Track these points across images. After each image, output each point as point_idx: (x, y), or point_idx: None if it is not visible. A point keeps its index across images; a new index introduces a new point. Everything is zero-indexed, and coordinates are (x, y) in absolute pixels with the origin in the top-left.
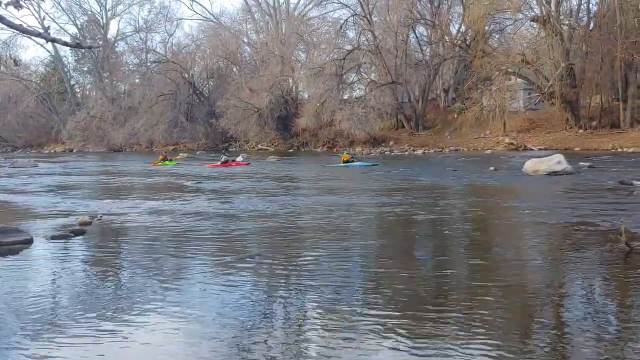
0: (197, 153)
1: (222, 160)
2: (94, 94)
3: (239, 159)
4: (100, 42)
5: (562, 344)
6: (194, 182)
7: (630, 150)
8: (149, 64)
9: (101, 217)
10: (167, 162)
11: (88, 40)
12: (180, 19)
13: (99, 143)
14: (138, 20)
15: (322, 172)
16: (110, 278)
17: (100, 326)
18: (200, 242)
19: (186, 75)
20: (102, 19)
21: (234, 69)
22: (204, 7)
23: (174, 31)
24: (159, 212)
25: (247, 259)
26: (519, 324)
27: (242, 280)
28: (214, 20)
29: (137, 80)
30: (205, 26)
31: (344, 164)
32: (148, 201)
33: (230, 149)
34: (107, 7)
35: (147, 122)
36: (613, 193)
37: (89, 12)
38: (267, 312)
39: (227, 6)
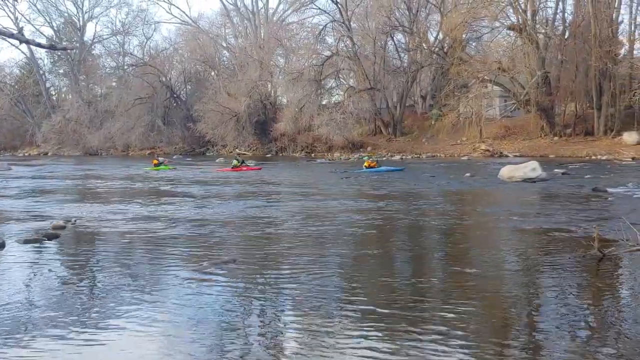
0: (174, 157)
1: (233, 164)
2: (70, 96)
3: (250, 163)
4: (77, 45)
5: (537, 348)
6: (173, 187)
7: (604, 157)
8: (126, 67)
9: (75, 221)
10: (161, 166)
11: (64, 43)
12: (158, 23)
13: (74, 146)
14: (115, 23)
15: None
16: (84, 283)
17: (73, 332)
18: (177, 247)
19: (163, 79)
20: (79, 21)
21: (212, 73)
22: (182, 11)
23: (152, 34)
24: (136, 216)
25: (224, 265)
26: (495, 329)
27: (218, 285)
28: (192, 24)
29: (113, 84)
30: (184, 30)
31: (369, 170)
32: (125, 206)
33: (207, 154)
34: (84, 9)
35: (123, 126)
36: (587, 200)
37: (66, 14)
38: (244, 317)
39: (206, 10)
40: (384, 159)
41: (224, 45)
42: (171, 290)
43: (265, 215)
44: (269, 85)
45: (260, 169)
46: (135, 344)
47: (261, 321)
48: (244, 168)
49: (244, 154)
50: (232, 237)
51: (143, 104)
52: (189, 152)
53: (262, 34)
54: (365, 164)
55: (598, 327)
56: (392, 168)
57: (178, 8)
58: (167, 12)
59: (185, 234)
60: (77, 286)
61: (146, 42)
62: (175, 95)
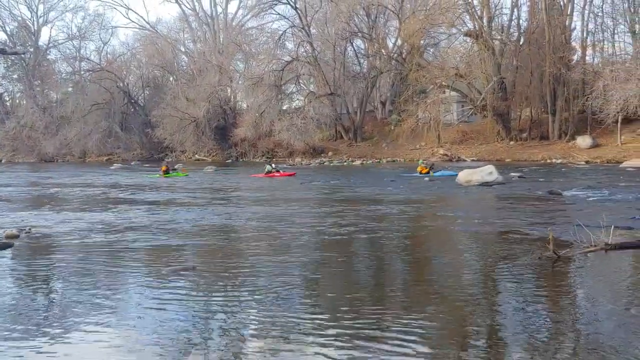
0: (132, 164)
1: (266, 170)
2: (25, 102)
3: (284, 168)
4: (31, 49)
5: (496, 350)
6: (132, 194)
7: (559, 161)
8: (82, 72)
9: (30, 229)
10: (172, 173)
11: (18, 47)
12: (115, 27)
13: (29, 153)
14: (71, 28)
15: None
16: (40, 293)
17: (29, 344)
18: (135, 255)
19: (121, 84)
20: (34, 25)
21: (171, 79)
22: (140, 16)
23: (109, 39)
24: (93, 224)
25: (183, 272)
26: (454, 330)
27: (178, 293)
28: (150, 29)
29: (70, 89)
30: (141, 35)
31: (422, 175)
32: (82, 213)
33: (166, 159)
34: (39, 13)
35: (80, 132)
36: (542, 203)
37: (19, 18)
38: (205, 322)
39: (164, 15)
40: (345, 163)
41: (183, 50)
42: (130, 298)
43: (226, 221)
44: (229, 90)
45: (294, 174)
46: (94, 353)
47: (222, 327)
48: (278, 174)
49: (204, 160)
50: (192, 244)
51: (100, 109)
52: (147, 159)
53: (221, 39)
54: (419, 169)
55: (555, 327)
56: (448, 173)
57: (136, 13)
58: (124, 16)
59: (144, 242)
60: (32, 297)
61: (103, 47)
62: (133, 101)
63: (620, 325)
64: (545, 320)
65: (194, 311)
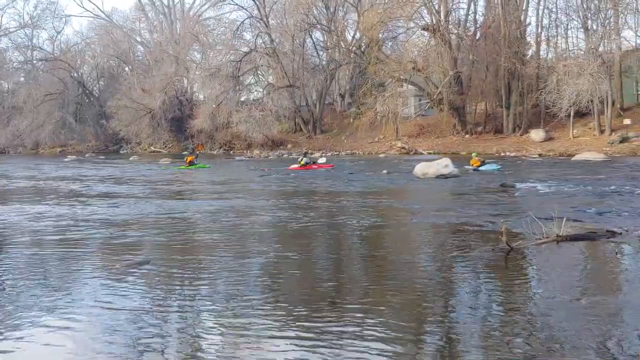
0: (86, 155)
1: (302, 162)
2: None
3: (321, 160)
4: None
5: (451, 341)
6: (86, 187)
7: (513, 154)
8: (35, 61)
9: None
10: (197, 164)
11: None
12: (68, 16)
13: None
14: (23, 16)
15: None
16: None
17: None
18: (89, 249)
19: (75, 75)
20: None
21: (126, 69)
22: (95, 5)
23: (63, 28)
24: (46, 218)
25: (138, 266)
26: (411, 322)
27: (133, 287)
28: (105, 18)
29: (22, 79)
30: (96, 24)
31: (475, 169)
32: (34, 206)
33: (121, 151)
34: None
35: (32, 123)
36: (496, 195)
37: None
38: (161, 318)
39: (119, 4)
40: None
41: (139, 40)
42: (84, 293)
43: (183, 214)
44: (185, 81)
45: (332, 166)
46: (47, 350)
47: (178, 322)
48: (314, 166)
49: (159, 151)
50: (148, 238)
51: (53, 100)
52: (102, 150)
53: (178, 29)
54: (472, 162)
55: (509, 318)
56: (496, 167)
57: (90, 1)
58: (78, 5)
59: (97, 236)
60: None
61: (57, 36)
62: (87, 91)
63: (571, 315)
64: (499, 312)
65: (149, 308)
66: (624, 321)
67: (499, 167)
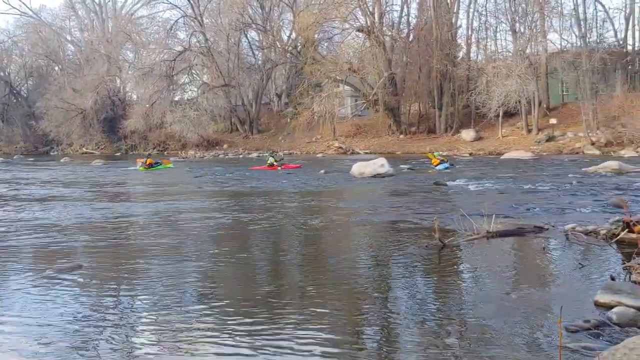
0: (15, 157)
1: (269, 162)
2: None
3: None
4: None
5: (388, 335)
6: (14, 189)
7: (445, 153)
8: None
9: None
10: (160, 166)
11: None
12: None
13: None
14: None
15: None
16: None
17: None
18: (18, 255)
19: (2, 74)
20: None
21: (56, 68)
22: (22, 1)
23: None
24: None
25: (69, 271)
26: (349, 320)
27: (64, 293)
28: (34, 15)
29: None
30: (24, 22)
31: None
32: None
33: (51, 153)
34: None
35: None
36: (429, 193)
37: None
38: (95, 323)
39: (48, 2)
40: (241, 156)
41: (69, 38)
42: (13, 300)
43: (117, 218)
44: (118, 81)
45: (300, 166)
46: None
47: (111, 328)
48: (282, 167)
49: (91, 153)
50: (79, 242)
51: None
52: (31, 152)
53: (110, 28)
54: (433, 161)
55: (442, 313)
56: (445, 166)
57: None
58: (4, 2)
59: (26, 241)
60: None
61: None
62: (15, 92)
63: (501, 309)
64: (433, 307)
65: (80, 315)
66: (552, 313)
67: (448, 165)
